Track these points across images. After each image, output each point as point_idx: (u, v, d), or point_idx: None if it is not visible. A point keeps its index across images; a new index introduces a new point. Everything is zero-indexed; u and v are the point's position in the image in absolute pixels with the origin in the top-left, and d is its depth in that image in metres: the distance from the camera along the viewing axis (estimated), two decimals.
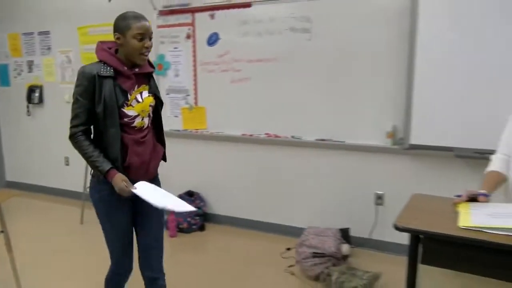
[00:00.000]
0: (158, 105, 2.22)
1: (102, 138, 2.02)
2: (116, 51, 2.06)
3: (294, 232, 3.64)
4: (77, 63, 4.69)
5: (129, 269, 2.25)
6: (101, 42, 2.08)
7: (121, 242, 2.17)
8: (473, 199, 1.74)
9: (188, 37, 4.06)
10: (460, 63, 3.02)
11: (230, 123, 4.02)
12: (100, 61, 2.03)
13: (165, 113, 4.24)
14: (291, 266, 3.29)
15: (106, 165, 1.97)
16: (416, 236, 1.60)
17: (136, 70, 2.07)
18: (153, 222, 2.23)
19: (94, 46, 2.10)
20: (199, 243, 3.88)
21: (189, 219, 4.00)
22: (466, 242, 1.46)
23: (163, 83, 4.23)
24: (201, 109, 4.14)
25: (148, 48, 2.01)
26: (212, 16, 3.90)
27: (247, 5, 3.72)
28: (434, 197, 1.88)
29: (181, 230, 4.00)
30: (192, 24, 4.02)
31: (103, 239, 2.17)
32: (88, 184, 4.16)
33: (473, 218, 1.54)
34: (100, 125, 2.01)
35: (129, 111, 2.03)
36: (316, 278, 3.04)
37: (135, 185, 2.01)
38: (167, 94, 4.24)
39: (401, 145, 3.32)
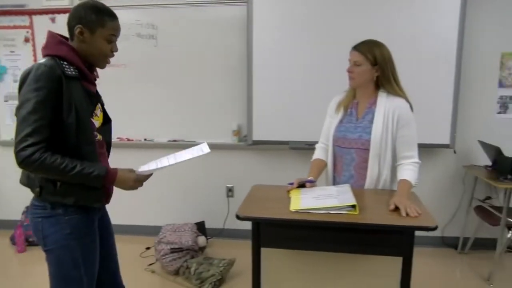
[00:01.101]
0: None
1: (75, 157, 1.42)
2: None
3: (152, 231, 3.48)
4: None
5: None
6: (54, 33, 1.49)
7: None
8: (302, 185, 1.83)
9: (26, 40, 3.56)
10: (290, 67, 3.20)
11: None
12: (55, 57, 1.42)
13: (4, 120, 3.71)
14: (151, 264, 3.15)
15: (100, 167, 1.45)
16: (257, 223, 1.62)
17: (95, 73, 1.60)
18: (114, 243, 1.80)
19: None
20: None
21: None
22: (296, 223, 1.52)
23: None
24: None
25: (114, 53, 1.54)
26: (53, 20, 3.49)
27: None
28: (271, 186, 1.92)
29: (30, 244, 3.41)
30: (30, 27, 3.54)
31: None
32: None
33: (302, 202, 1.62)
34: (70, 141, 1.41)
35: (96, 122, 1.55)
36: (176, 273, 2.96)
37: (139, 169, 1.60)
38: (6, 101, 3.68)
39: (246, 142, 3.42)
